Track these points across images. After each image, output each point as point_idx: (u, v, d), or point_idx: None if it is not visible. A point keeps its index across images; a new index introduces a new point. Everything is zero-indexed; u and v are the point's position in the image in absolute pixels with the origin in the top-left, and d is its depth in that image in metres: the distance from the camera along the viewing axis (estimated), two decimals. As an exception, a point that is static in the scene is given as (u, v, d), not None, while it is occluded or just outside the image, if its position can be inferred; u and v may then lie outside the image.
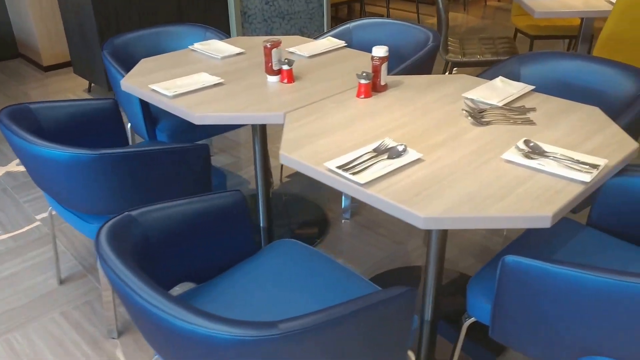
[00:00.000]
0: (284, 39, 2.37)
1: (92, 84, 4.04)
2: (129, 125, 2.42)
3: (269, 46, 1.84)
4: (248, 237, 1.43)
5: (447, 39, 3.17)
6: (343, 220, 2.41)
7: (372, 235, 2.31)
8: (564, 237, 1.46)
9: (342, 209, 2.47)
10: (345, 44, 2.26)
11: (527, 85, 1.74)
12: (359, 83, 1.73)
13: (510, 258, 1.13)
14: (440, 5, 2.99)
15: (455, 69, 4.05)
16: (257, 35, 4.10)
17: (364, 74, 1.71)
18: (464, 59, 3.07)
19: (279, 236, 2.32)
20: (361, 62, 2.09)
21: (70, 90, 4.02)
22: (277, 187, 2.66)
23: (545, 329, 1.14)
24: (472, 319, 1.35)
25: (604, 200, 1.48)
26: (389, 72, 2.17)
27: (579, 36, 3.04)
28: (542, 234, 1.48)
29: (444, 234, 1.57)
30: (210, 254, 1.36)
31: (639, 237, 1.45)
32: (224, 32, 3.98)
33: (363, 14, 5.30)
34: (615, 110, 1.83)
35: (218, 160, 2.93)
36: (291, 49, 2.19)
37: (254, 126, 2.11)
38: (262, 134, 2.12)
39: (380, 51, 1.73)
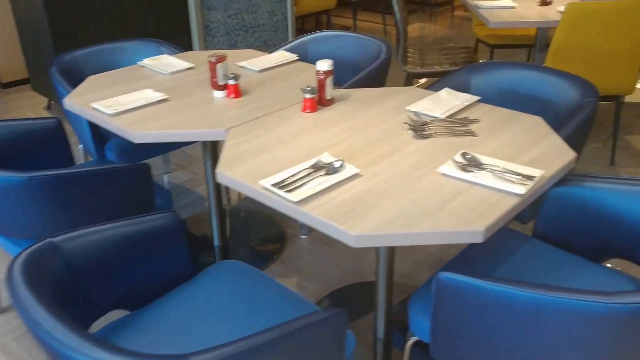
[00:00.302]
0: (237, 52, 2.34)
1: (52, 102, 3.95)
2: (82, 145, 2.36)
3: (213, 61, 1.81)
4: (185, 260, 1.39)
5: (405, 50, 3.17)
6: (301, 236, 2.38)
7: (330, 251, 2.28)
8: (508, 249, 1.45)
9: (300, 225, 2.44)
10: (298, 57, 2.24)
11: (472, 96, 1.74)
12: (304, 98, 1.70)
13: (445, 275, 1.10)
14: (398, 17, 3.00)
15: (423, 79, 4.07)
16: (220, 49, 4.06)
17: (309, 89, 1.69)
18: (423, 70, 3.08)
19: (236, 254, 2.28)
20: (312, 75, 2.07)
21: (30, 107, 3.93)
22: (235, 203, 2.62)
23: (483, 347, 1.12)
24: (416, 337, 1.32)
25: (548, 211, 1.47)
26: (343, 84, 2.16)
27: (535, 45, 3.07)
28: (486, 246, 1.46)
29: (391, 248, 1.54)
30: (144, 280, 1.31)
31: (583, 247, 1.45)
32: (186, 46, 3.93)
33: (330, 26, 5.31)
34: (563, 118, 1.84)
35: (176, 176, 2.88)
36: (242, 63, 2.16)
37: (204, 143, 2.07)
38: (213, 151, 2.08)
39: (324, 65, 1.71)
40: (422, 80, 4.14)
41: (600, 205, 1.38)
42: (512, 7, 2.97)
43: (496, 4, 3.01)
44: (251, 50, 2.37)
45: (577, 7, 2.34)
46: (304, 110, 1.71)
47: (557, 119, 1.85)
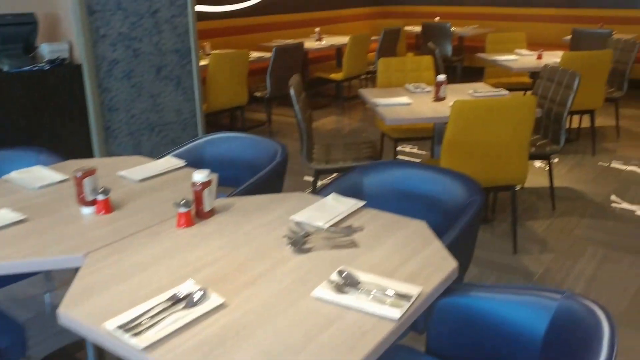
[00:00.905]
0: (119, 160, 2.20)
1: None
2: None
3: (79, 176, 1.66)
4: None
5: (310, 147, 3.16)
6: None
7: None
8: (399, 371, 1.32)
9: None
10: (185, 163, 2.13)
11: (358, 201, 1.67)
12: (178, 212, 1.57)
13: None
14: (299, 117, 3.00)
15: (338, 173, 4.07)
16: (123, 151, 3.89)
17: (183, 202, 1.56)
18: (328, 166, 3.06)
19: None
20: (197, 183, 1.95)
21: None
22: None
23: None
24: None
25: (437, 324, 1.38)
26: (240, 186, 2.06)
27: (434, 139, 3.16)
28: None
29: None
30: None
31: (477, 362, 1.35)
32: (86, 149, 3.74)
33: (243, 122, 5.33)
34: (452, 216, 1.80)
35: (60, 296, 2.58)
36: (122, 173, 2.01)
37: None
38: (86, 270, 1.86)
39: (200, 176, 1.60)
40: (334, 175, 4.15)
41: (487, 316, 1.30)
42: (408, 104, 3.06)
43: (393, 101, 3.10)
44: (136, 157, 2.23)
45: (462, 105, 2.42)
46: (178, 225, 1.57)
47: (446, 218, 1.82)
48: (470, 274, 2.70)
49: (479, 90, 3.32)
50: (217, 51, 5.28)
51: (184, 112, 4.25)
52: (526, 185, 3.77)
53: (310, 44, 6.15)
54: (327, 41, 6.37)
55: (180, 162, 2.12)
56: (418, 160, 4.39)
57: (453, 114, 2.43)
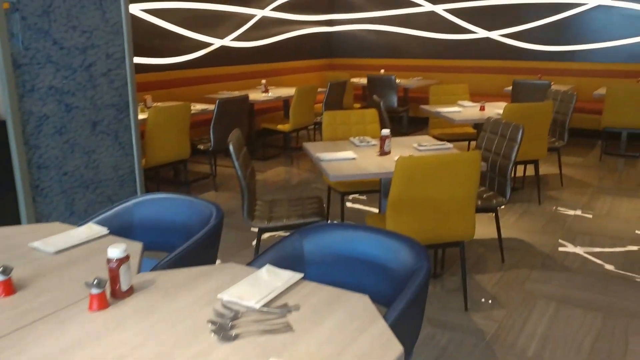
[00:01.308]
0: (36, 227, 1.98)
1: None
2: None
3: (-25, 254, 1.44)
4: None
5: (252, 205, 3.02)
6: None
7: None
8: None
9: None
10: (108, 231, 1.93)
11: (295, 274, 1.53)
12: (90, 293, 1.38)
13: None
14: (240, 174, 2.87)
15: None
16: (55, 212, 3.60)
17: (96, 282, 1.38)
18: (270, 224, 2.91)
19: None
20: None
21: None
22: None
23: None
24: None
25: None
26: (172, 252, 1.89)
27: (381, 193, 3.08)
28: None
29: None
30: None
31: None
32: (12, 210, 3.45)
33: (187, 175, 5.13)
34: (398, 280, 1.69)
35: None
36: (35, 244, 1.80)
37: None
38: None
39: (116, 251, 1.42)
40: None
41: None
42: (353, 159, 2.99)
43: (337, 155, 3.03)
44: (57, 224, 2.02)
45: (406, 162, 2.36)
46: (90, 309, 1.38)
47: (391, 285, 1.70)
48: (422, 334, 2.57)
49: (423, 143, 3.29)
50: (158, 104, 5.13)
51: (122, 168, 4.03)
52: (474, 236, 3.73)
53: (256, 95, 6.10)
54: (274, 93, 6.34)
55: (103, 230, 1.92)
56: (369, 209, 4.31)
57: (397, 171, 2.35)
